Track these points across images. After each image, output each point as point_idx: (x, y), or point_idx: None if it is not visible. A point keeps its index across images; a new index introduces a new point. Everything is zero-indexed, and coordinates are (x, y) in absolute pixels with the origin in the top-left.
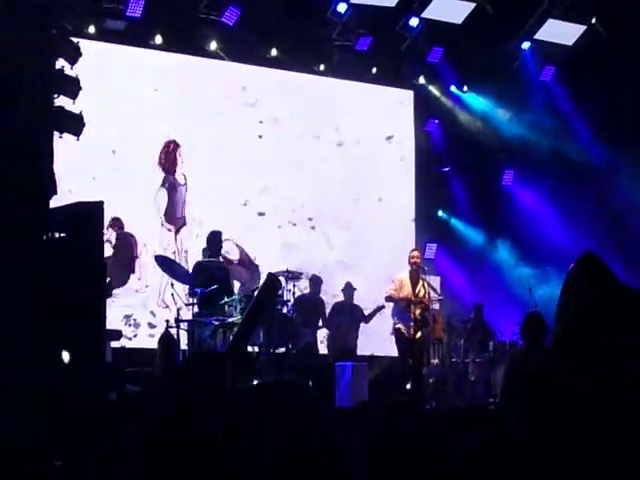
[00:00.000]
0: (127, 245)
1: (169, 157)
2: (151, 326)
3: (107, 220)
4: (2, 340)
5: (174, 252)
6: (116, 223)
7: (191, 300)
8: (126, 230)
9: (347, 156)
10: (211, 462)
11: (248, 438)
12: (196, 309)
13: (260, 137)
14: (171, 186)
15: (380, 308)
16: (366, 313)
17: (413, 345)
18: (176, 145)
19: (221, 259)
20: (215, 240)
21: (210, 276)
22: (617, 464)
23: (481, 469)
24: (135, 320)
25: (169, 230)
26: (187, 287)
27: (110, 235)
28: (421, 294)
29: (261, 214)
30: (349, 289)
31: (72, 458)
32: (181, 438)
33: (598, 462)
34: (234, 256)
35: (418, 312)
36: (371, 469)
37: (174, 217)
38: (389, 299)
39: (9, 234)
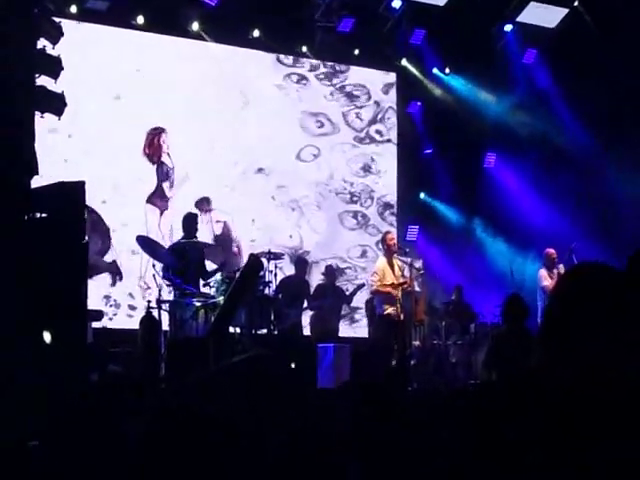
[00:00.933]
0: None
1: (153, 143)
2: (131, 307)
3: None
4: None
5: (157, 234)
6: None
7: (167, 282)
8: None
9: (329, 138)
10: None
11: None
12: (177, 290)
13: (244, 120)
14: (158, 168)
15: (360, 287)
16: (347, 294)
17: (398, 328)
18: (161, 130)
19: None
20: (190, 222)
21: (184, 257)
22: (613, 463)
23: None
24: (115, 301)
25: (154, 212)
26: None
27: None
28: (400, 275)
29: (245, 195)
30: (331, 271)
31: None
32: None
33: (593, 460)
34: (217, 232)
35: (400, 294)
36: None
37: (160, 199)
38: (375, 292)
39: None
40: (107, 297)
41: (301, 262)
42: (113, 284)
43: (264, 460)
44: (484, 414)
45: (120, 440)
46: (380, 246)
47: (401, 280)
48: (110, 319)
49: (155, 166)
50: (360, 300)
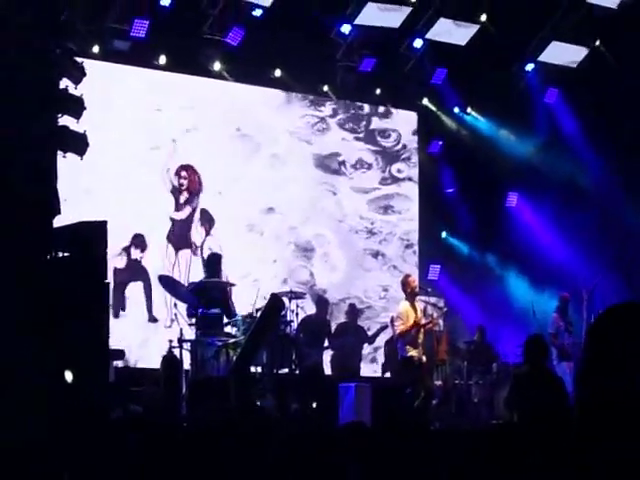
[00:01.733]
0: None
1: (186, 180)
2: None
3: None
4: (7, 358)
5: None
6: None
7: (191, 321)
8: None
9: (349, 178)
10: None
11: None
12: (199, 329)
13: (263, 159)
14: (180, 208)
15: (383, 328)
16: (369, 334)
17: (422, 369)
18: (183, 168)
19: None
20: (214, 261)
21: (208, 296)
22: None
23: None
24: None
25: (174, 250)
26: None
27: None
28: (423, 316)
29: (263, 234)
30: (353, 310)
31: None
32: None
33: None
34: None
35: (422, 335)
36: None
37: (180, 237)
38: (400, 336)
39: (14, 253)
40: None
41: (322, 302)
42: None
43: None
44: (509, 454)
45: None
46: (402, 288)
47: (423, 321)
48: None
49: (174, 203)
50: (380, 340)
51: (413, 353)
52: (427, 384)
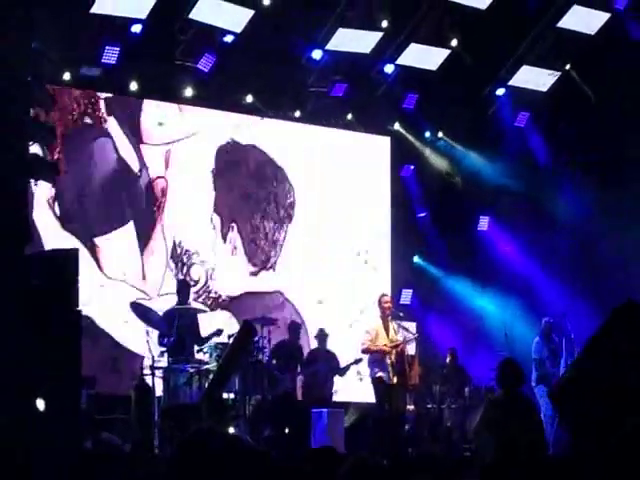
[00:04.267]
0: None
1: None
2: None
3: None
4: None
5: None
6: None
7: (160, 349)
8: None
9: (322, 202)
10: None
11: None
12: (171, 356)
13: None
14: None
15: (357, 361)
16: (342, 365)
17: (392, 392)
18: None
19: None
20: (182, 287)
21: (174, 323)
22: None
23: None
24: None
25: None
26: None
27: None
28: (395, 339)
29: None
30: (322, 335)
31: None
32: None
33: None
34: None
35: (394, 357)
36: None
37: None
38: (366, 351)
39: None
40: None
41: (294, 327)
42: None
43: None
44: None
45: None
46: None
47: (395, 343)
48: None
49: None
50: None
51: (381, 374)
52: (397, 406)
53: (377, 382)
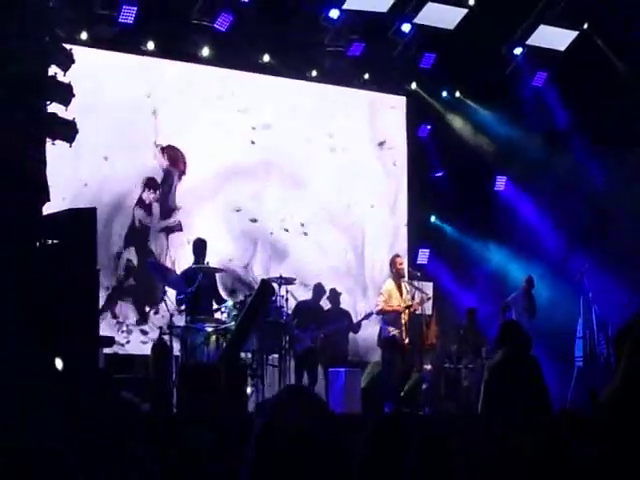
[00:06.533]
0: None
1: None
2: (143, 332)
3: None
4: None
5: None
6: None
7: (180, 307)
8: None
9: (339, 162)
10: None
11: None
12: (188, 316)
13: (253, 143)
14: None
15: (368, 315)
16: (355, 321)
17: (404, 350)
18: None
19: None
20: (200, 247)
21: (194, 282)
22: None
23: None
24: (127, 326)
25: (162, 233)
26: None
27: None
28: (408, 298)
29: (253, 220)
30: (334, 295)
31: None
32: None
33: None
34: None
35: (407, 318)
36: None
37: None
38: (381, 312)
39: (2, 240)
40: (120, 323)
41: (319, 288)
42: None
43: None
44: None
45: (137, 465)
46: (389, 267)
47: (408, 303)
48: (122, 345)
49: (161, 187)
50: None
51: (394, 333)
52: (410, 365)
53: (390, 340)
